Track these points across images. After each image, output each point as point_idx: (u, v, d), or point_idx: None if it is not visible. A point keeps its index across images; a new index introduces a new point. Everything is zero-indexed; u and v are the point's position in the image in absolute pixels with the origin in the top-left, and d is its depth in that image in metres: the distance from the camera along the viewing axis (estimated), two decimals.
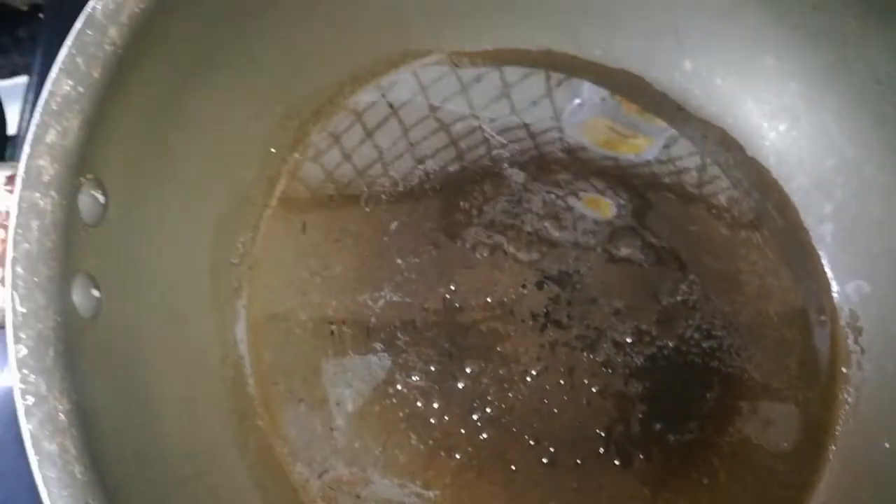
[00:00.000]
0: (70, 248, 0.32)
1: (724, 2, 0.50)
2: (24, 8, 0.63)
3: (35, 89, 0.57)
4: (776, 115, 0.52)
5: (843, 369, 0.48)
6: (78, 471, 0.29)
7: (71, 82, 0.33)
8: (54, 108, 0.32)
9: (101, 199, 0.34)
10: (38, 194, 0.31)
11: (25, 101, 0.56)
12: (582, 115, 0.52)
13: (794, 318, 0.49)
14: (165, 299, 0.39)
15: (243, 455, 0.41)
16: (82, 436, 0.29)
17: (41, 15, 0.62)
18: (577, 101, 0.52)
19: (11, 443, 0.46)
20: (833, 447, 0.46)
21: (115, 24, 0.34)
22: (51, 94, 0.32)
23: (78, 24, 0.34)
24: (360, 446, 0.43)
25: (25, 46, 0.66)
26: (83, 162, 0.33)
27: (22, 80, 0.62)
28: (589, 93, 0.52)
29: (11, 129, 0.56)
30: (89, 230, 0.34)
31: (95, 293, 0.33)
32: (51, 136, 0.32)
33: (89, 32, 0.34)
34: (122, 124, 0.35)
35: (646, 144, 0.51)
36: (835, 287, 0.50)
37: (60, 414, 0.29)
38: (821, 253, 0.50)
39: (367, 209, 0.47)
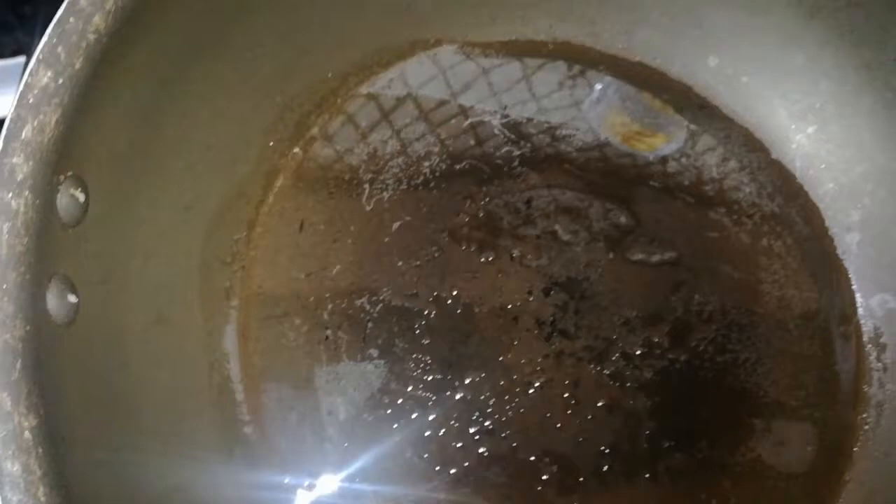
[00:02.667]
0: (45, 250, 0.30)
1: None
2: None
3: None
4: (804, 116, 0.49)
5: (864, 388, 0.46)
6: (42, 493, 0.27)
7: (50, 74, 0.31)
8: (31, 101, 0.31)
9: (82, 197, 0.33)
10: (10, 194, 0.29)
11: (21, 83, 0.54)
12: (599, 110, 0.49)
13: (815, 333, 0.46)
14: (150, 302, 0.37)
15: (229, 464, 0.40)
16: (49, 455, 0.28)
17: None
18: (594, 96, 0.49)
19: None
20: (849, 469, 0.44)
21: (101, 12, 0.32)
22: (27, 86, 0.31)
23: (59, 12, 0.32)
24: (351, 457, 0.41)
25: (30, 24, 0.65)
26: (62, 159, 0.31)
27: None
28: (607, 87, 0.50)
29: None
30: (68, 230, 0.32)
31: (72, 298, 0.32)
32: (26, 132, 0.30)
33: (72, 20, 0.32)
34: (107, 118, 0.34)
35: (664, 142, 0.49)
36: (859, 300, 0.47)
37: (26, 432, 0.28)
38: (846, 263, 0.48)
39: (369, 207, 0.45)
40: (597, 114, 0.49)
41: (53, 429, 0.29)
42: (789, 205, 0.49)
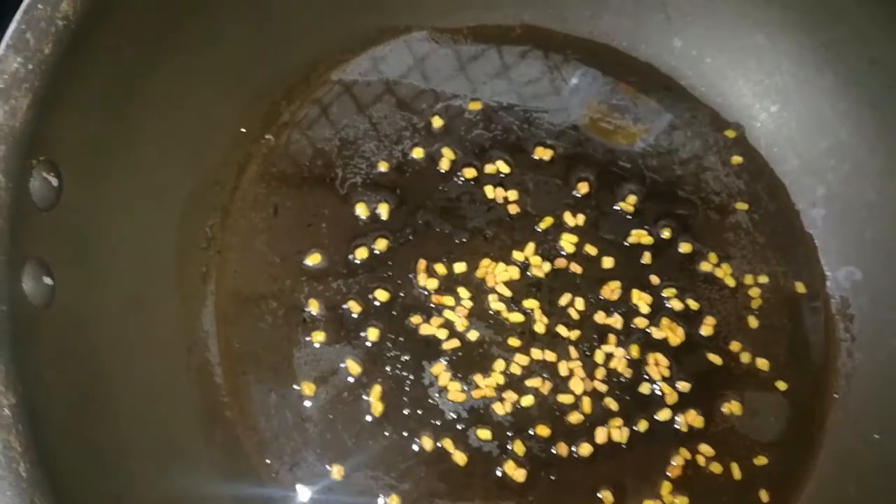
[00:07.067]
0: (20, 234, 0.31)
1: None
2: None
3: None
4: (767, 94, 0.50)
5: (834, 358, 0.47)
6: (23, 469, 0.27)
7: (20, 59, 0.32)
8: (1, 86, 0.31)
9: (55, 181, 0.33)
10: None
11: None
12: (571, 95, 0.50)
13: (784, 305, 0.47)
14: (127, 286, 0.37)
15: (209, 447, 0.40)
16: (29, 431, 0.28)
17: None
18: (566, 80, 0.50)
19: None
20: (822, 438, 0.45)
21: None
22: None
23: None
24: (332, 437, 0.41)
25: None
26: (34, 143, 0.32)
27: None
28: (579, 72, 0.50)
29: None
30: (42, 214, 0.32)
31: (48, 280, 0.32)
32: None
33: (40, 7, 0.32)
34: (78, 103, 0.34)
35: (634, 128, 0.50)
36: (826, 273, 0.48)
37: (5, 409, 0.28)
38: (812, 238, 0.49)
39: (342, 192, 0.46)
40: (569, 100, 0.50)
41: (32, 408, 0.29)
42: (755, 182, 0.50)
